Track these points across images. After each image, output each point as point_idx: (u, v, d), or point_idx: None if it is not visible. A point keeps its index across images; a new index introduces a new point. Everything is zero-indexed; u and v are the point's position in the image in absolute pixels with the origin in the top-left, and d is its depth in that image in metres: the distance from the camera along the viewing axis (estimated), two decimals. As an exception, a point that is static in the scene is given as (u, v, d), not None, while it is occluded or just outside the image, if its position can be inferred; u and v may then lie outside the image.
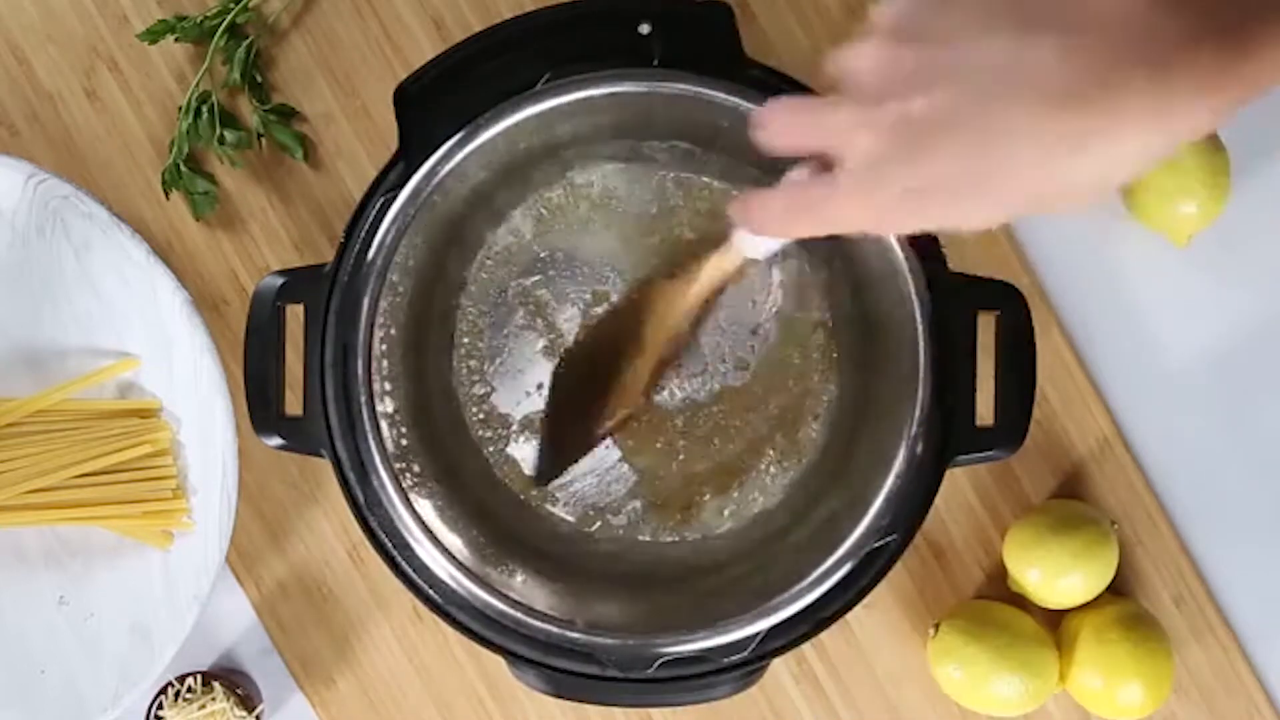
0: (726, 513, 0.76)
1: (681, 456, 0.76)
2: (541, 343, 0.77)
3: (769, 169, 0.74)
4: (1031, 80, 0.47)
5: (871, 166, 0.51)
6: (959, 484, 0.81)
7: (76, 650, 0.79)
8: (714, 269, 0.67)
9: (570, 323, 0.76)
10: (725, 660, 0.69)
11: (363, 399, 0.69)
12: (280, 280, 0.71)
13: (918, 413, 0.68)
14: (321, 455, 0.70)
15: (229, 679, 0.80)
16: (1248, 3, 0.46)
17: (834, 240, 0.72)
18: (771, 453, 0.76)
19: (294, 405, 0.71)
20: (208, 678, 0.79)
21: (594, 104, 0.69)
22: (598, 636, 0.69)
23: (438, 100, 0.70)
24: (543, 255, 0.77)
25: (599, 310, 0.76)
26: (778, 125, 0.55)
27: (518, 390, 0.77)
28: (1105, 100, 0.46)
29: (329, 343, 0.70)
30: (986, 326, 0.70)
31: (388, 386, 0.71)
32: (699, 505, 0.76)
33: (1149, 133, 0.47)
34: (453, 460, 0.76)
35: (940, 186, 0.50)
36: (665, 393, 0.76)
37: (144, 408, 0.79)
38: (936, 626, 0.79)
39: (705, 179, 0.76)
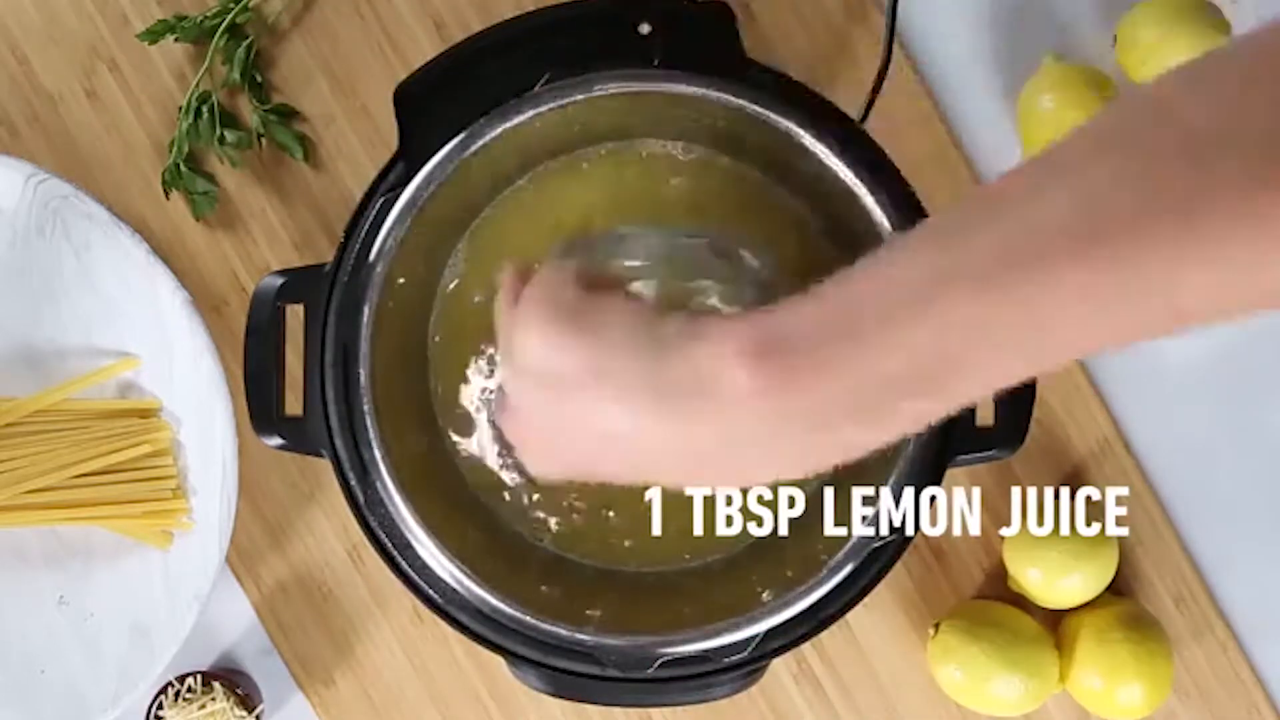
0: (724, 520, 0.76)
1: None
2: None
3: (770, 169, 0.75)
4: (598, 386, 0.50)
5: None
6: (959, 484, 0.81)
7: (76, 650, 0.79)
8: None
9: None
10: (725, 660, 0.69)
11: (363, 399, 0.69)
12: (280, 280, 0.71)
13: (918, 413, 0.68)
14: (321, 455, 0.70)
15: (229, 679, 0.80)
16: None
17: (834, 237, 0.72)
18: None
19: (294, 405, 0.71)
20: (208, 678, 0.79)
21: (594, 104, 0.69)
22: (598, 636, 0.69)
23: (438, 100, 0.70)
24: (543, 255, 0.76)
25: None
26: None
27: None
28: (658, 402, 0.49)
29: (329, 343, 0.70)
30: (986, 326, 0.70)
31: (389, 386, 0.71)
32: (699, 515, 0.76)
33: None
34: (453, 461, 0.76)
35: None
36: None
37: (144, 408, 0.79)
38: (936, 626, 0.79)
39: (706, 180, 0.76)
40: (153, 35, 0.80)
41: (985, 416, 0.70)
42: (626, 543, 0.76)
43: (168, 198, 0.81)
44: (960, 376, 0.46)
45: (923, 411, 0.48)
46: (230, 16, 0.80)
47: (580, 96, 0.69)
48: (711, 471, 0.51)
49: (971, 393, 0.47)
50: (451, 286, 0.76)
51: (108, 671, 0.78)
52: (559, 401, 0.51)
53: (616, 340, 0.50)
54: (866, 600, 0.70)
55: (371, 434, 0.69)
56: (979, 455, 0.70)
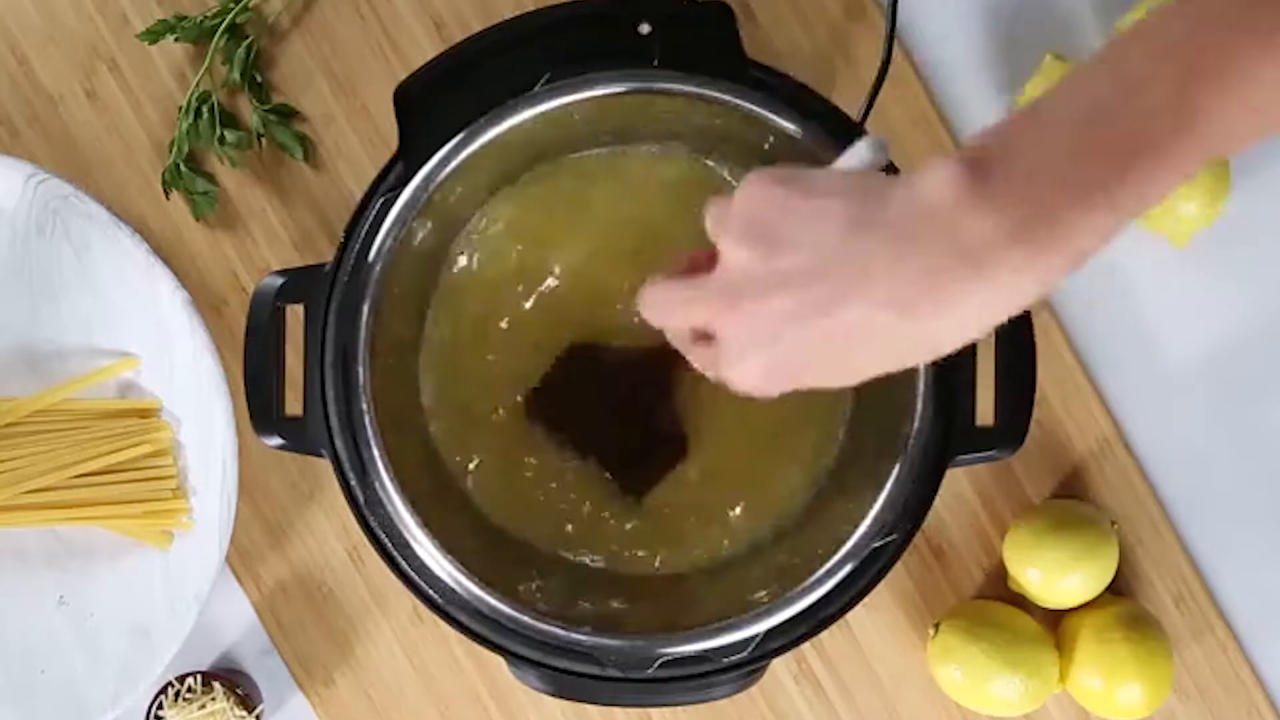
0: (728, 520, 0.76)
1: (685, 471, 0.76)
2: (538, 343, 0.77)
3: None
4: (865, 287, 0.51)
5: (736, 349, 0.55)
6: (959, 484, 0.81)
7: (76, 650, 0.79)
8: None
9: (567, 326, 0.76)
10: (725, 660, 0.69)
11: (363, 399, 0.69)
12: (280, 280, 0.71)
13: (918, 413, 0.68)
14: (321, 455, 0.70)
15: (229, 679, 0.80)
16: (1053, 200, 0.49)
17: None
18: (772, 457, 0.76)
19: (294, 405, 0.71)
20: (208, 678, 0.79)
21: (594, 104, 0.69)
22: (598, 636, 0.69)
23: (438, 100, 0.70)
24: (542, 255, 0.77)
25: (600, 315, 0.76)
26: (655, 306, 0.59)
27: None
28: (933, 296, 0.50)
29: (329, 343, 0.70)
30: (986, 326, 0.70)
31: (389, 386, 0.71)
32: (699, 517, 0.76)
33: (981, 309, 0.51)
34: (452, 461, 0.76)
35: (798, 366, 0.55)
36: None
37: (144, 408, 0.79)
38: (936, 626, 0.79)
39: (705, 180, 0.76)
40: (153, 35, 0.80)
41: (985, 416, 0.70)
42: (627, 544, 0.76)
43: (168, 198, 0.81)
44: (1198, 125, 0.48)
45: (1146, 183, 0.49)
46: (230, 16, 0.80)
47: (580, 96, 0.69)
48: (944, 292, 0.50)
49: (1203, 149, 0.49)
50: (451, 286, 0.76)
51: (108, 671, 0.78)
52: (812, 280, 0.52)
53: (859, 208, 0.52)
54: (866, 600, 0.70)
55: (371, 434, 0.69)
56: (979, 455, 0.70)
